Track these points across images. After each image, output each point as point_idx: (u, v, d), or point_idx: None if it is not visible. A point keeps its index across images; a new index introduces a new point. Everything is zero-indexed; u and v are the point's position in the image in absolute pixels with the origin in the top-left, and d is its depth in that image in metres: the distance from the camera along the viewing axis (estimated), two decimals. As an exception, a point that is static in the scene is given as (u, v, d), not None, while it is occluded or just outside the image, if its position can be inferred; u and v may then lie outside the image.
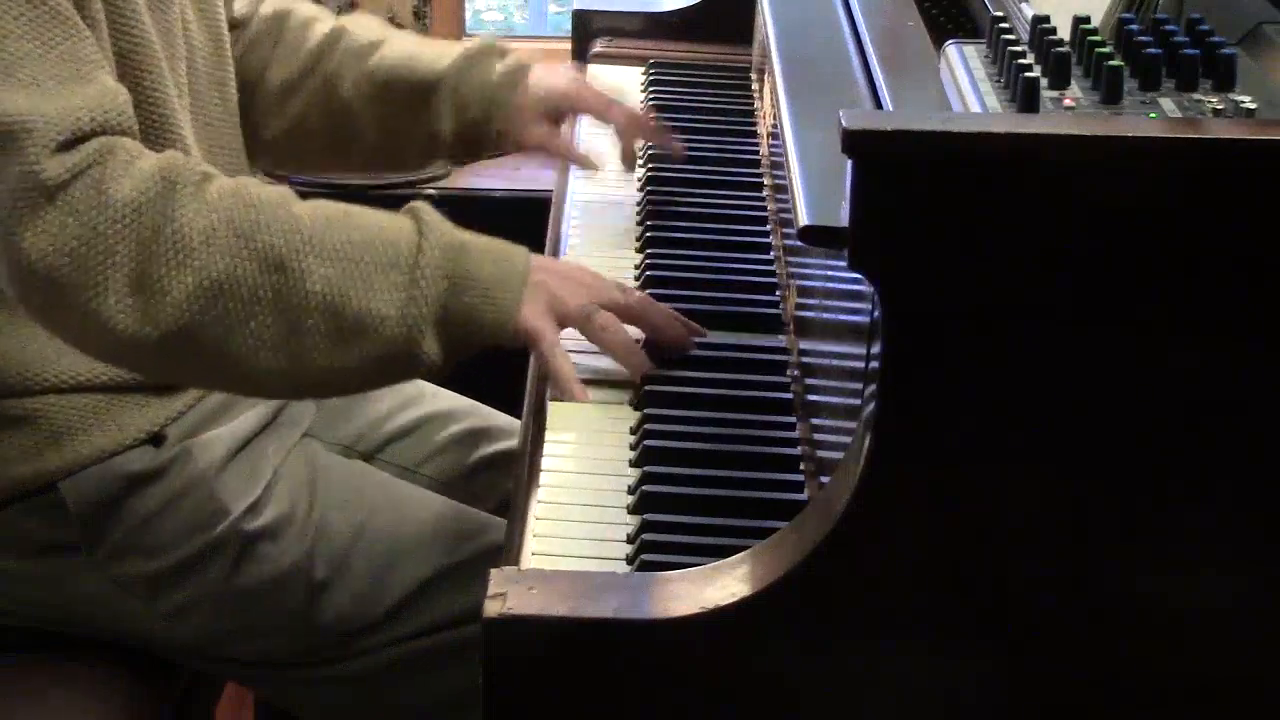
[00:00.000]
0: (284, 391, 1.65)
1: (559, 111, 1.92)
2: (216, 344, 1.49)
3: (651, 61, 2.29)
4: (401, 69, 1.87)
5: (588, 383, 1.57)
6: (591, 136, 2.04)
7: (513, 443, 1.80)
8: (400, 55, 1.89)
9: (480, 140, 1.90)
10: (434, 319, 1.50)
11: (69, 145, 1.46)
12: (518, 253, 1.56)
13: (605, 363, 1.59)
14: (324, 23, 1.92)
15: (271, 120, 1.90)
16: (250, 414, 1.75)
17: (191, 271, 1.47)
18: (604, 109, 1.94)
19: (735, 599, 1.19)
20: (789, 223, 1.51)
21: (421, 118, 1.87)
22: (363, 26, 1.93)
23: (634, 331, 1.61)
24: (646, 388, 1.55)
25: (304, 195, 1.59)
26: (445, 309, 1.51)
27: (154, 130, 1.62)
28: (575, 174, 2.00)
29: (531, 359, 1.63)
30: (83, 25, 1.52)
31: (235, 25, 1.89)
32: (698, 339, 1.62)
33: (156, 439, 1.69)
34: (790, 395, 1.56)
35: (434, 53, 1.90)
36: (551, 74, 1.93)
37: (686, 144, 2.03)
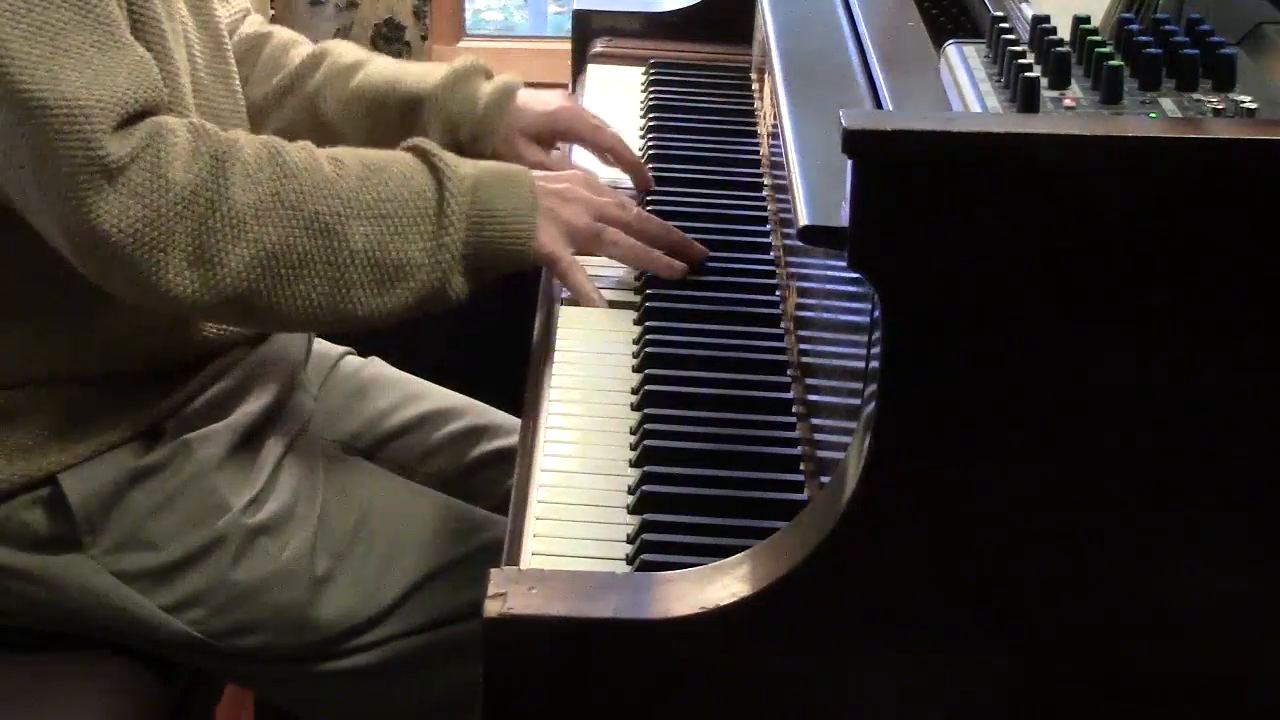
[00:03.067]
0: (329, 329, 1.79)
1: (548, 135, 1.94)
2: (269, 304, 1.59)
3: (651, 61, 2.29)
4: (387, 86, 1.91)
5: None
6: (584, 157, 2.04)
7: (512, 440, 1.81)
8: (385, 74, 1.92)
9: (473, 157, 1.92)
10: (460, 257, 1.63)
11: (124, 124, 1.53)
12: (523, 180, 1.67)
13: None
14: (305, 46, 1.96)
15: None
16: (250, 408, 1.76)
17: (247, 244, 1.56)
18: (591, 134, 1.96)
19: (735, 599, 1.19)
20: (789, 223, 1.51)
21: (409, 135, 1.86)
22: (344, 49, 1.96)
23: None
24: (646, 388, 1.56)
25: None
26: (469, 246, 1.63)
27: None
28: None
29: (531, 358, 1.64)
30: None
31: None
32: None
33: (157, 432, 1.70)
34: (790, 395, 1.56)
35: (419, 71, 1.93)
36: (539, 98, 1.95)
37: (686, 144, 2.03)
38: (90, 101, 1.51)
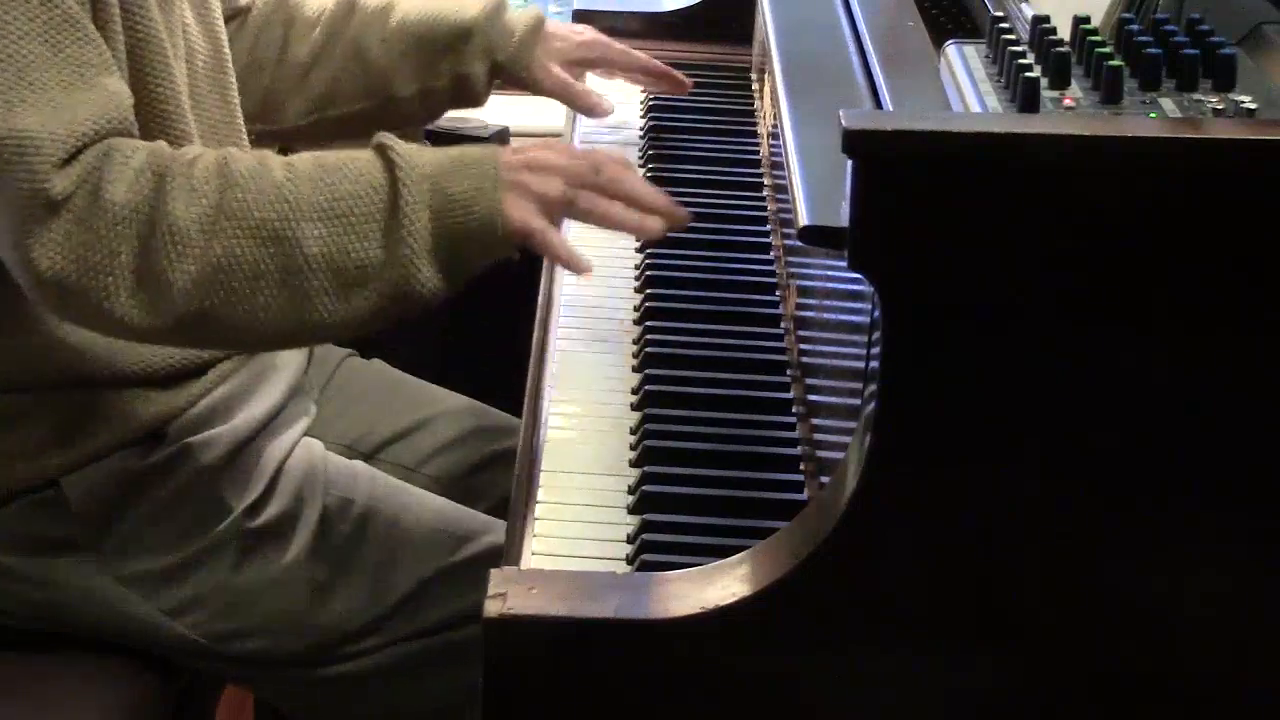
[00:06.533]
0: (299, 344, 1.75)
1: (580, 64, 2.04)
2: (228, 320, 1.52)
3: (651, 61, 2.29)
4: (431, 21, 1.96)
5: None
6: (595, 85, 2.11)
7: (513, 442, 1.80)
8: (425, 9, 1.97)
9: (506, 80, 2.01)
10: (425, 250, 1.53)
11: (73, 158, 1.49)
12: (486, 158, 1.57)
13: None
14: None
15: (296, 99, 1.94)
16: (253, 413, 1.76)
17: (192, 260, 1.50)
18: (621, 59, 2.07)
19: (735, 599, 1.19)
20: (789, 223, 1.51)
21: (455, 64, 1.96)
22: None
23: None
24: (646, 388, 1.56)
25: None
26: (433, 237, 1.53)
27: (159, 125, 1.63)
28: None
29: (531, 359, 1.64)
30: (93, 30, 1.54)
31: (238, 14, 1.90)
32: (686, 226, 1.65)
33: (159, 436, 1.70)
34: (790, 395, 1.56)
35: (452, 3, 1.98)
36: (569, 26, 2.06)
37: (686, 144, 2.03)
38: (43, 134, 1.48)
